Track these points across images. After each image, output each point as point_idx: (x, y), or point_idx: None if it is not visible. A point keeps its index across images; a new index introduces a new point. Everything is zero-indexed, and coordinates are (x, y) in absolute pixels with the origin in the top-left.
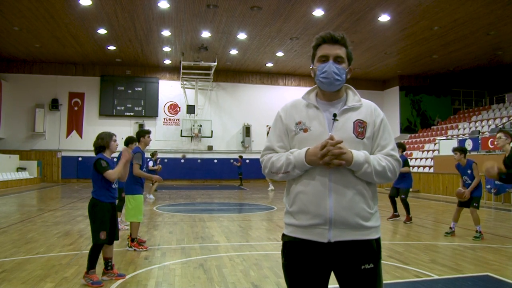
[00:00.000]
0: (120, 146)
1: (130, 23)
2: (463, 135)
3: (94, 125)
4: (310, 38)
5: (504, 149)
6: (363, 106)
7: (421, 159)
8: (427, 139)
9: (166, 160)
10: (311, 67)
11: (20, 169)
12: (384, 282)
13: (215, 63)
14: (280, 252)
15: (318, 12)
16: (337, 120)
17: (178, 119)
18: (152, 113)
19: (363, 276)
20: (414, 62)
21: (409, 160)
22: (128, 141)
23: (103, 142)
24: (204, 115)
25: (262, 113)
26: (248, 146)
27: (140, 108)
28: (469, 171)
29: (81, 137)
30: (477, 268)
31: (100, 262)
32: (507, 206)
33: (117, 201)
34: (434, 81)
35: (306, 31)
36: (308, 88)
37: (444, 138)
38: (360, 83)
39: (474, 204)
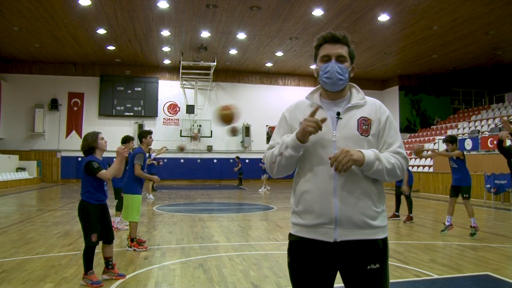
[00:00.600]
0: (117, 145)
1: (130, 23)
2: (463, 134)
3: (94, 125)
4: (310, 38)
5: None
6: (367, 103)
7: (420, 158)
8: (426, 138)
9: (166, 160)
10: (314, 67)
11: (20, 169)
12: None
13: (215, 63)
14: (278, 252)
15: (318, 12)
16: (341, 118)
17: (178, 119)
18: (152, 113)
19: (369, 276)
20: (413, 62)
21: (408, 159)
22: (125, 140)
23: (91, 143)
24: (204, 115)
25: (262, 113)
26: (247, 146)
27: (139, 108)
28: (454, 157)
29: (80, 137)
30: (477, 268)
31: (100, 262)
32: (507, 205)
33: (117, 201)
34: (433, 80)
35: (306, 31)
36: (307, 88)
37: (444, 137)
38: (359, 83)
39: (465, 195)
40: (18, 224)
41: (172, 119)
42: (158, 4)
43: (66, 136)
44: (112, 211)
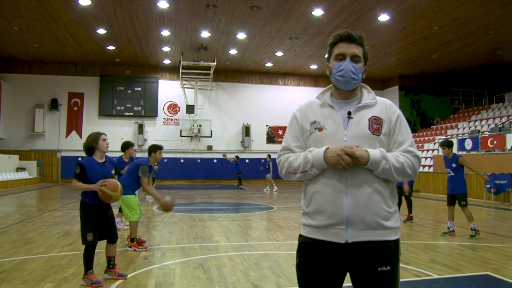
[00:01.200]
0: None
1: (130, 23)
2: (463, 134)
3: (94, 125)
4: (310, 37)
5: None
6: (378, 103)
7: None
8: (426, 138)
9: (166, 160)
10: (326, 64)
11: (20, 169)
12: None
13: (215, 63)
14: (278, 252)
15: (318, 12)
16: (352, 118)
17: (178, 119)
18: (152, 113)
19: (379, 278)
20: (413, 62)
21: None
22: (124, 147)
23: (90, 143)
24: (204, 115)
25: (262, 112)
26: (247, 146)
27: (139, 108)
28: (453, 165)
29: (80, 137)
30: (477, 268)
31: (100, 262)
32: (507, 205)
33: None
34: (433, 80)
35: (306, 30)
36: (307, 88)
37: (444, 137)
38: None
39: (462, 202)
40: (18, 224)
41: (172, 119)
42: (158, 4)
43: (66, 136)
44: (115, 211)
